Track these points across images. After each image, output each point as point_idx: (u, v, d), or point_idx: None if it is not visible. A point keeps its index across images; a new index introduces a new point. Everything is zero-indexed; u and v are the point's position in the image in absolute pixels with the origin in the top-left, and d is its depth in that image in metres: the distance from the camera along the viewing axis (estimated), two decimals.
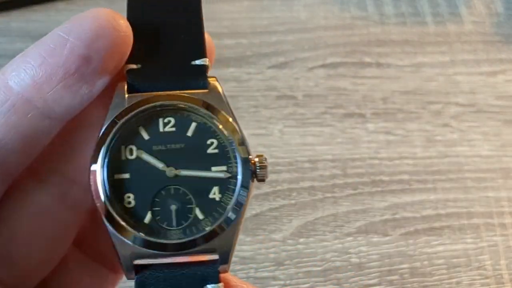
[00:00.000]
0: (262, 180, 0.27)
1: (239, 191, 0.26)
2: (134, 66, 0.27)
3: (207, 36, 0.29)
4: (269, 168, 0.27)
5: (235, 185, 0.27)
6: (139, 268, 0.26)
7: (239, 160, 0.27)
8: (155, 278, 0.26)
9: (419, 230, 0.49)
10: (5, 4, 0.60)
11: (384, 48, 0.59)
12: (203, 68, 0.27)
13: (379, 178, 0.51)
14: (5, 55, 0.57)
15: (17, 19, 0.59)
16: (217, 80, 0.28)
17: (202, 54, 0.28)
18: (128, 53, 0.26)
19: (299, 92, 0.56)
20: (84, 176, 0.27)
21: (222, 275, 0.27)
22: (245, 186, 0.26)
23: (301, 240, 0.48)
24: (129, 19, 0.26)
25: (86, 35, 0.25)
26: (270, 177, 0.49)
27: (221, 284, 0.26)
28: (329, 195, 0.50)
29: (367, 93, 0.56)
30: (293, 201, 0.50)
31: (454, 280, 0.47)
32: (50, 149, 0.27)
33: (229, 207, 0.26)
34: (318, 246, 0.48)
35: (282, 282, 0.46)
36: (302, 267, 0.47)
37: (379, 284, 0.46)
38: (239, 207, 0.26)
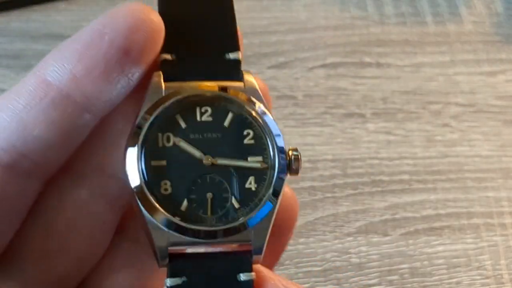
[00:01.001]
0: (296, 172, 0.27)
1: (276, 181, 0.26)
2: (168, 57, 0.27)
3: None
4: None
5: (272, 175, 0.27)
6: (173, 256, 0.26)
7: (276, 151, 0.27)
8: (188, 266, 0.26)
9: (419, 230, 0.49)
10: (5, 4, 0.60)
11: (384, 48, 0.59)
12: (237, 61, 0.28)
13: (379, 178, 0.51)
14: (5, 55, 0.57)
15: (17, 19, 0.59)
16: (251, 74, 0.28)
17: (236, 47, 0.28)
18: (161, 45, 0.27)
19: (299, 92, 0.56)
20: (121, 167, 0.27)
21: (254, 266, 0.27)
22: (281, 176, 0.27)
23: (301, 240, 0.48)
24: (160, 11, 0.27)
25: (123, 28, 0.25)
26: None
27: (253, 274, 0.26)
28: (329, 195, 0.50)
29: (367, 93, 0.56)
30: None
31: (454, 280, 0.47)
32: (86, 142, 0.27)
33: (265, 197, 0.26)
34: (318, 246, 0.48)
35: None
36: (302, 267, 0.47)
37: (379, 284, 0.46)
38: (276, 197, 0.26)
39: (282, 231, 0.29)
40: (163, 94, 0.27)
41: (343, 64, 0.58)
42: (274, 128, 0.27)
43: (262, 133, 0.27)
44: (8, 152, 0.25)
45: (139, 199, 0.26)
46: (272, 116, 0.27)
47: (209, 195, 0.26)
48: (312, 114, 0.55)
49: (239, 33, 0.29)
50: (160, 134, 0.27)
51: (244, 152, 0.27)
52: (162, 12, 0.27)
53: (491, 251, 0.48)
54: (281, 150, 0.27)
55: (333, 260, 0.47)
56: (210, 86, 0.27)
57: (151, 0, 0.28)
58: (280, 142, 0.27)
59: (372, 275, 0.47)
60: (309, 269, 0.47)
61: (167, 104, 0.27)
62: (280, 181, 0.27)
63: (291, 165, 0.27)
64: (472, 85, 0.57)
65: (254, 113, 0.27)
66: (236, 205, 0.26)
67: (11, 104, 0.25)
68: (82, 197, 0.28)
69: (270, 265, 0.30)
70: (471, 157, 0.53)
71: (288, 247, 0.48)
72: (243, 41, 0.29)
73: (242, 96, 0.27)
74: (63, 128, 0.26)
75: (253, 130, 0.27)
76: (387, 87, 0.57)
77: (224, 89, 0.27)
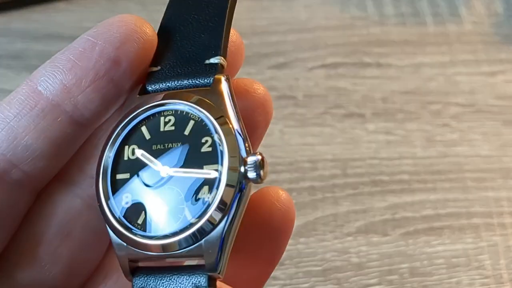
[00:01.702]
0: (255, 181, 0.25)
1: (223, 190, 0.25)
2: (154, 69, 0.27)
3: (235, 34, 0.28)
4: (268, 168, 0.25)
5: (223, 185, 0.25)
6: (135, 270, 0.26)
7: (225, 158, 0.25)
8: (148, 280, 0.26)
9: (419, 230, 0.49)
10: (5, 4, 0.60)
11: (384, 48, 0.60)
12: (216, 66, 0.27)
13: (379, 178, 0.51)
14: (5, 55, 0.57)
15: (17, 19, 0.59)
16: (225, 77, 0.27)
17: (217, 53, 0.27)
18: (152, 57, 0.27)
19: (299, 92, 0.56)
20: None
21: (220, 286, 0.26)
22: (230, 184, 0.25)
23: (301, 239, 0.48)
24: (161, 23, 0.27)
25: (115, 39, 0.25)
26: (270, 177, 0.49)
27: None
28: (329, 195, 0.50)
29: (367, 93, 0.56)
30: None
31: (454, 279, 0.47)
32: (79, 150, 0.27)
33: (213, 207, 0.25)
34: (318, 246, 0.48)
35: (282, 282, 0.46)
36: (302, 267, 0.47)
37: (379, 284, 0.46)
38: (224, 206, 0.25)
39: (278, 235, 0.29)
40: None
41: (343, 64, 0.58)
42: (236, 131, 0.26)
43: (218, 139, 0.25)
44: None
45: (102, 214, 0.26)
46: (239, 119, 0.26)
47: (165, 208, 0.26)
48: (312, 114, 0.55)
49: (235, 36, 0.29)
50: (126, 147, 0.27)
51: (200, 160, 0.26)
52: (162, 24, 0.27)
53: (490, 251, 0.48)
54: (232, 157, 0.25)
55: (333, 260, 0.47)
56: (175, 94, 0.27)
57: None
58: (241, 147, 0.25)
59: (372, 274, 0.47)
60: (309, 269, 0.47)
61: (131, 116, 0.26)
62: (229, 190, 0.25)
63: (246, 173, 0.25)
64: (472, 85, 0.58)
65: (213, 119, 0.26)
66: (189, 216, 0.25)
67: (2, 113, 0.26)
68: (75, 205, 0.27)
69: (265, 273, 0.29)
70: (471, 157, 0.53)
71: (288, 247, 0.48)
72: (242, 46, 0.29)
73: (201, 102, 0.26)
74: (54, 138, 0.26)
75: (211, 137, 0.26)
76: (387, 87, 0.57)
77: (186, 96, 0.26)
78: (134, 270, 0.26)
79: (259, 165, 0.25)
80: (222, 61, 0.27)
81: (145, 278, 0.26)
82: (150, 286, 0.26)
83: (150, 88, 0.27)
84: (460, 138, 0.54)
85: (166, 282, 0.26)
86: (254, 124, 0.28)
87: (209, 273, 0.25)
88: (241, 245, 0.26)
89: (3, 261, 0.27)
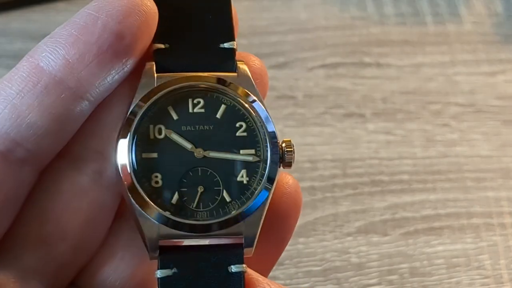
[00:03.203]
0: (288, 164, 0.27)
1: (268, 175, 0.26)
2: (162, 46, 0.27)
3: (259, 62, 0.29)
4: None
5: (264, 168, 0.27)
6: (163, 248, 0.26)
7: (268, 144, 0.27)
8: (178, 258, 0.26)
9: (418, 230, 0.49)
10: (5, 4, 0.60)
11: (384, 48, 0.60)
12: (232, 51, 0.27)
13: (379, 178, 0.51)
14: (5, 55, 0.57)
15: (17, 19, 0.59)
16: (245, 64, 0.27)
17: (231, 37, 0.28)
18: (154, 31, 0.26)
19: (299, 92, 0.56)
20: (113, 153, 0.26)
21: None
22: (273, 170, 0.26)
23: (301, 239, 0.48)
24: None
25: (117, 12, 0.25)
26: None
27: (244, 266, 0.26)
28: (329, 195, 0.50)
29: (367, 93, 0.56)
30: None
31: (453, 279, 0.47)
32: (84, 126, 0.27)
33: (257, 190, 0.26)
34: (318, 246, 0.48)
35: (282, 282, 0.46)
36: (302, 267, 0.47)
37: (378, 284, 0.46)
38: (267, 190, 0.26)
39: (287, 217, 0.29)
40: (155, 84, 0.27)
41: (343, 64, 0.58)
42: (266, 118, 0.27)
43: (254, 125, 0.27)
44: (1, 140, 0.25)
45: (129, 191, 0.26)
46: (265, 106, 0.27)
47: (200, 188, 0.26)
48: (312, 114, 0.55)
49: (235, 21, 0.29)
50: (151, 126, 0.26)
51: (236, 144, 0.26)
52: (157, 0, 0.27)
53: (490, 251, 0.48)
54: (274, 143, 0.27)
55: (333, 260, 0.47)
56: (204, 77, 0.27)
57: None
58: (272, 132, 0.27)
59: (372, 274, 0.47)
60: (309, 269, 0.47)
61: (158, 95, 0.26)
62: (273, 173, 0.26)
63: (284, 158, 0.27)
64: (472, 85, 0.58)
65: (247, 105, 0.27)
66: (228, 198, 0.26)
67: (4, 91, 0.25)
68: (80, 182, 0.27)
69: (274, 257, 0.30)
70: (471, 157, 0.53)
71: (288, 247, 0.48)
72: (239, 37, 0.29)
73: (235, 87, 0.27)
74: (57, 114, 0.25)
75: (246, 122, 0.27)
76: (387, 87, 0.57)
77: (220, 80, 0.27)
78: (162, 249, 0.26)
79: (291, 150, 0.27)
80: (235, 46, 0.28)
81: (174, 257, 0.26)
82: (180, 265, 0.26)
83: (166, 67, 0.27)
84: (460, 138, 0.54)
85: (199, 261, 0.26)
86: None
87: (245, 250, 0.26)
88: None
89: (8, 243, 0.26)
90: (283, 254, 0.30)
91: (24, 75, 0.25)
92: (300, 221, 0.49)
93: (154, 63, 0.27)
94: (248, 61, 0.29)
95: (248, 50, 0.57)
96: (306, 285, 0.46)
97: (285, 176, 0.29)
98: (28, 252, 0.27)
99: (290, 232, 0.30)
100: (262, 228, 0.28)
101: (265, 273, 0.29)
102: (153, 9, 0.26)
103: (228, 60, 0.27)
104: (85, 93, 0.26)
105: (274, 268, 0.30)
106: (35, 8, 0.60)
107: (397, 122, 0.55)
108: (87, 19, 0.25)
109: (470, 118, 0.55)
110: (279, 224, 0.29)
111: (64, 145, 0.27)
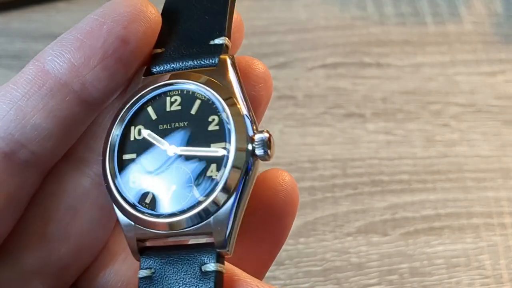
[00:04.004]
0: (263, 159, 0.25)
1: (230, 169, 0.25)
2: (159, 50, 0.28)
3: (237, 16, 0.29)
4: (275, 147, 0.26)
5: (231, 163, 0.25)
6: (143, 249, 0.26)
7: (232, 136, 0.25)
8: (156, 258, 0.26)
9: (418, 230, 0.49)
10: (5, 4, 0.60)
11: (384, 48, 0.60)
12: (221, 47, 0.27)
13: (379, 178, 0.51)
14: (5, 55, 0.57)
15: (17, 19, 0.59)
16: (231, 58, 0.27)
17: (222, 33, 0.27)
18: (156, 37, 0.27)
19: (299, 92, 0.56)
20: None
21: (228, 267, 0.26)
22: (236, 165, 0.25)
23: (301, 239, 0.48)
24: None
25: (122, 18, 0.25)
26: None
27: (219, 265, 0.25)
28: (329, 195, 0.50)
29: (367, 93, 0.56)
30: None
31: (453, 279, 0.47)
32: (86, 129, 0.27)
33: (221, 185, 0.25)
34: (318, 246, 0.48)
35: (282, 282, 0.46)
36: (302, 267, 0.47)
37: (378, 284, 0.46)
38: (231, 184, 0.25)
39: (283, 215, 0.29)
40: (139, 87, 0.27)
41: (343, 64, 0.58)
42: (244, 111, 0.26)
43: (226, 118, 0.26)
44: (5, 141, 0.25)
45: (109, 193, 0.26)
46: (244, 101, 0.26)
47: (173, 186, 0.26)
48: (312, 114, 0.55)
49: (238, 18, 0.29)
50: (132, 128, 0.27)
51: (207, 139, 0.26)
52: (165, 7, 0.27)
53: (490, 251, 0.48)
54: (240, 136, 0.25)
55: (333, 260, 0.47)
56: (180, 74, 0.27)
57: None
58: (249, 126, 0.26)
59: (372, 274, 0.47)
60: (309, 269, 0.47)
61: (137, 96, 0.27)
62: (236, 169, 0.25)
63: (254, 151, 0.25)
64: (472, 85, 0.58)
65: (220, 98, 0.26)
66: (197, 195, 0.25)
67: (9, 93, 0.25)
68: (83, 183, 0.28)
69: (271, 255, 0.29)
70: (471, 157, 0.53)
71: (288, 247, 0.48)
72: (242, 27, 0.29)
73: (208, 82, 0.26)
74: (62, 117, 0.26)
75: (218, 116, 0.26)
76: (387, 87, 0.57)
77: (192, 76, 0.27)
78: (142, 249, 0.26)
79: (267, 143, 0.25)
80: (226, 41, 0.27)
81: (153, 257, 0.26)
82: (158, 265, 0.26)
83: (155, 70, 0.27)
84: (460, 138, 0.54)
85: (174, 261, 0.26)
86: (258, 99, 0.29)
87: (218, 250, 0.25)
88: (247, 226, 0.26)
89: (10, 243, 0.26)
90: (283, 254, 0.30)
91: (30, 77, 0.25)
92: (300, 221, 0.49)
93: (145, 66, 0.27)
94: (252, 65, 0.29)
95: (248, 50, 0.57)
96: (306, 285, 0.46)
97: (281, 173, 0.29)
98: (30, 253, 0.27)
99: (287, 230, 0.29)
100: (255, 226, 0.27)
101: (261, 273, 0.29)
102: (157, 16, 0.27)
103: (213, 55, 0.27)
104: (89, 96, 0.26)
105: (274, 268, 0.30)
106: (35, 8, 0.60)
107: (397, 122, 0.55)
108: (93, 24, 0.26)
109: (470, 118, 0.55)
110: (274, 222, 0.29)
111: (68, 147, 0.27)
